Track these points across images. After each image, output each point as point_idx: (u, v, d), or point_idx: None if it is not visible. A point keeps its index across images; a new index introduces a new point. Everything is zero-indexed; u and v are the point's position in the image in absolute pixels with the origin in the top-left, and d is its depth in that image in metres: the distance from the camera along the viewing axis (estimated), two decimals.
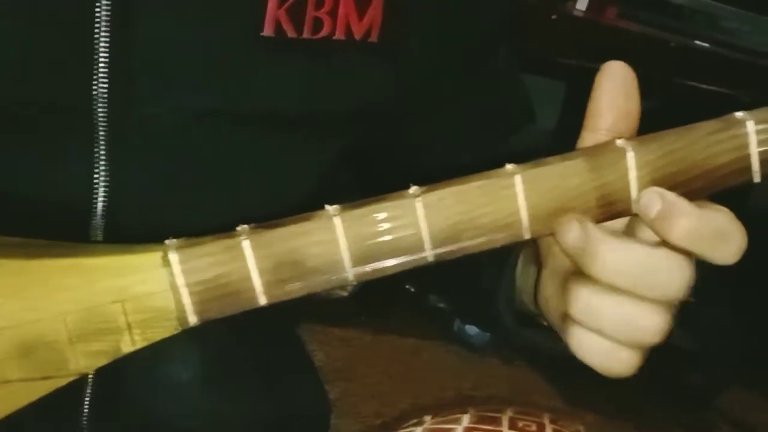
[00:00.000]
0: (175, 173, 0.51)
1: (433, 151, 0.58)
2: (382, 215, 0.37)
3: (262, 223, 0.38)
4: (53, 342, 0.38)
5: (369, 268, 0.38)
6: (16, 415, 0.40)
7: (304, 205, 0.38)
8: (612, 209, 0.37)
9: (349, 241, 0.37)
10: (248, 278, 0.37)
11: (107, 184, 0.49)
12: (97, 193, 0.49)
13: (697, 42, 1.48)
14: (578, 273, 0.37)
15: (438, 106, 0.57)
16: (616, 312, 0.36)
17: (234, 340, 0.58)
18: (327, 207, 0.37)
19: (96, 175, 0.49)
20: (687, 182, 0.36)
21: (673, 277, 0.36)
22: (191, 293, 0.37)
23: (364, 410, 0.94)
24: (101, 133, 0.48)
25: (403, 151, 0.59)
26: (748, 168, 0.36)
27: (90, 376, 0.53)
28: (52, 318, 0.38)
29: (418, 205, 0.37)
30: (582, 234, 0.36)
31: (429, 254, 0.37)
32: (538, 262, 0.43)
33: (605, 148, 0.36)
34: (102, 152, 0.49)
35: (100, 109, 0.48)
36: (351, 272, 0.38)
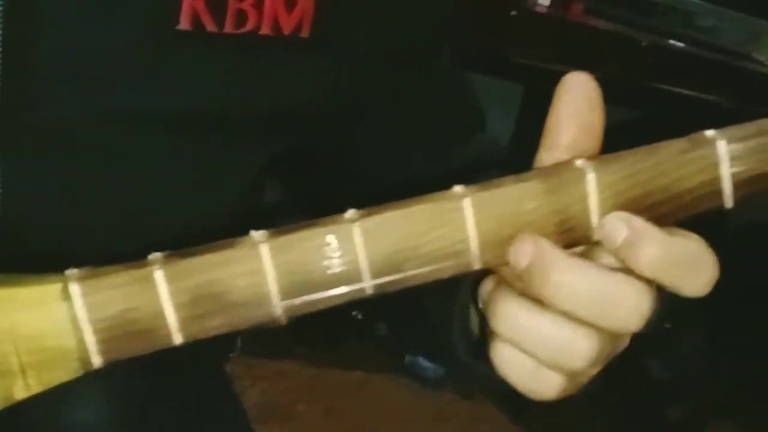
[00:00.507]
0: (80, 184, 0.50)
1: (371, 158, 0.58)
2: (315, 242, 0.37)
3: (178, 250, 0.38)
4: None
5: (300, 301, 0.37)
6: None
7: (228, 220, 0.37)
8: (571, 236, 0.37)
9: (278, 271, 0.37)
10: (161, 314, 0.37)
11: (2, 195, 0.48)
12: None
13: (671, 41, 1.51)
14: (507, 286, 0.38)
15: (376, 109, 0.57)
16: (546, 332, 0.37)
17: (146, 378, 0.57)
18: (252, 233, 0.37)
19: None
20: (653, 207, 0.36)
21: (632, 307, 0.36)
22: (95, 331, 0.37)
23: None
24: None
25: (339, 159, 0.59)
26: (718, 192, 0.36)
27: None
28: None
29: (356, 231, 0.36)
30: (535, 253, 0.36)
31: (368, 285, 0.37)
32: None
33: (563, 168, 0.36)
34: None
35: None
36: (280, 306, 0.37)
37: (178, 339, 0.37)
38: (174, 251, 0.37)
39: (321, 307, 0.37)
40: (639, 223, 0.36)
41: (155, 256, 0.37)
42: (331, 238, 0.37)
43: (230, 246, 0.37)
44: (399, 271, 0.37)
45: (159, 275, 0.36)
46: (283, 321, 0.37)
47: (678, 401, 1.33)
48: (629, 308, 0.36)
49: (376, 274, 0.37)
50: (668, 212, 0.36)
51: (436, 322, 0.52)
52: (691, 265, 0.36)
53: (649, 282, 0.36)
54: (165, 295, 0.36)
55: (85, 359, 0.37)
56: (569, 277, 0.36)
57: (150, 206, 0.52)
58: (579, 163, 0.36)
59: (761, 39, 1.60)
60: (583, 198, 0.36)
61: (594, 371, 0.39)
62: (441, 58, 0.60)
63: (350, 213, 0.37)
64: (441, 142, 0.59)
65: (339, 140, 0.58)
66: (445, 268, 0.37)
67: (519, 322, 0.37)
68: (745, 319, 1.39)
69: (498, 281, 0.39)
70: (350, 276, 0.37)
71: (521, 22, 1.39)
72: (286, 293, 0.37)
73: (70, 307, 0.36)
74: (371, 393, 1.18)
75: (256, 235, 0.37)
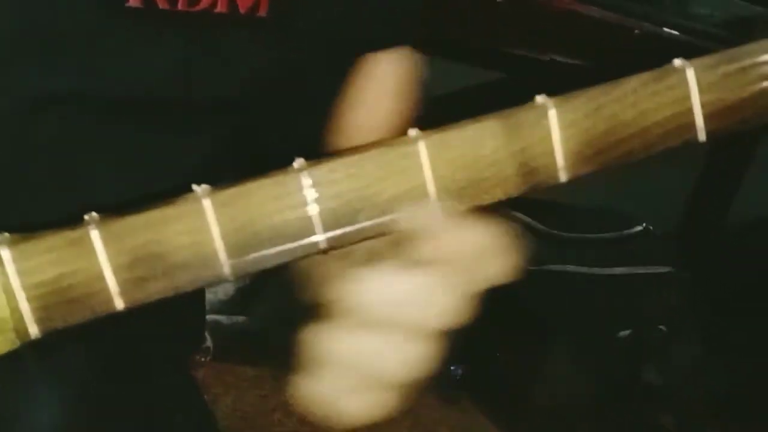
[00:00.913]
0: (15, 170, 0.50)
1: (318, 141, 0.58)
2: (261, 195, 0.36)
3: (116, 211, 0.38)
4: None
5: (249, 258, 0.37)
6: None
7: None
8: (534, 178, 0.37)
9: (223, 228, 0.36)
10: (100, 277, 0.36)
11: None
12: None
13: (665, 29, 1.52)
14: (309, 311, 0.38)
15: (326, 93, 0.57)
16: (359, 350, 0.37)
17: (104, 380, 0.57)
18: (195, 187, 0.37)
19: None
20: (619, 143, 0.36)
21: (441, 308, 0.37)
22: (29, 298, 0.36)
23: None
24: None
25: (285, 141, 0.59)
26: (690, 124, 0.36)
27: None
28: None
29: (305, 181, 0.36)
30: (326, 263, 0.37)
31: (320, 239, 0.37)
32: None
33: (523, 107, 0.36)
34: None
35: None
36: (227, 265, 0.37)
37: (119, 304, 0.37)
38: (109, 214, 0.37)
39: (271, 264, 0.37)
40: (433, 210, 0.37)
41: (92, 216, 0.37)
42: (278, 190, 0.36)
43: (171, 203, 0.37)
44: (353, 222, 0.37)
45: (95, 235, 0.36)
46: (231, 280, 0.37)
47: (671, 408, 1.34)
48: (441, 308, 0.37)
49: (328, 227, 0.37)
50: (637, 148, 0.36)
51: None
52: (482, 255, 0.37)
53: (451, 275, 0.37)
54: (102, 257, 0.36)
55: (21, 329, 0.37)
56: (370, 284, 0.37)
57: (93, 193, 0.52)
58: (540, 99, 0.36)
59: (756, 27, 1.61)
60: (546, 137, 0.36)
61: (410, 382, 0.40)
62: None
63: (298, 162, 0.37)
64: None
65: (286, 123, 0.58)
66: (401, 219, 0.37)
67: (335, 344, 0.38)
68: (742, 324, 1.40)
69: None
70: (301, 229, 0.37)
71: (507, 11, 1.40)
72: (233, 251, 0.37)
73: (3, 273, 0.36)
74: None
75: (199, 189, 0.37)
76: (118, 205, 0.49)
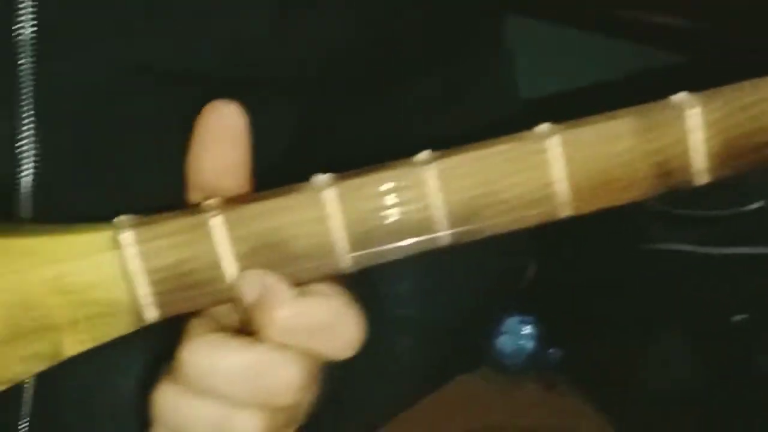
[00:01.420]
0: (108, 144, 0.52)
1: (398, 126, 0.59)
2: (385, 187, 0.38)
3: (235, 195, 0.40)
4: None
5: (369, 252, 0.39)
6: None
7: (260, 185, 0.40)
8: (670, 180, 0.38)
9: (345, 219, 0.38)
10: (219, 264, 0.39)
11: (37, 153, 0.51)
12: (23, 165, 0.51)
13: None
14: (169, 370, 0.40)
15: (412, 71, 0.58)
16: (205, 415, 0.39)
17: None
18: (316, 177, 0.38)
19: (22, 143, 0.51)
20: (762, 146, 0.37)
21: (278, 382, 0.38)
22: (149, 282, 0.39)
23: None
24: (24, 94, 0.50)
25: (367, 123, 0.60)
26: None
27: (26, 384, 0.55)
28: None
29: (430, 173, 0.38)
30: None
31: (444, 235, 0.38)
32: None
33: (662, 104, 0.37)
34: (27, 118, 0.50)
35: (24, 65, 0.49)
36: (347, 258, 0.39)
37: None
38: (231, 197, 0.40)
39: (391, 258, 0.39)
40: (270, 281, 0.38)
41: (212, 201, 0.39)
42: (402, 183, 0.38)
43: (292, 191, 0.38)
44: (478, 219, 0.38)
45: (216, 222, 0.38)
46: (351, 271, 0.39)
47: None
48: (277, 381, 0.38)
49: (452, 222, 0.38)
50: None
51: None
52: (323, 329, 0.39)
53: (299, 350, 0.38)
54: (223, 244, 0.38)
55: (138, 313, 0.39)
56: (195, 356, 0.38)
57: (178, 169, 0.54)
58: (679, 96, 0.37)
59: None
60: (684, 137, 0.37)
61: None
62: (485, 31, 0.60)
63: (423, 154, 0.38)
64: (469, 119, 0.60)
65: (363, 105, 0.59)
66: (529, 217, 0.38)
67: (179, 406, 0.39)
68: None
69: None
70: (424, 224, 0.38)
71: None
72: (354, 243, 0.39)
73: (121, 256, 0.39)
74: None
75: (321, 179, 0.38)
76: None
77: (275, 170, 0.39)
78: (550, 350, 1.25)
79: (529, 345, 1.25)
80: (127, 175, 0.53)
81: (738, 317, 1.31)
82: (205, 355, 0.38)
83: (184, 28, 0.51)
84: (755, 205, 1.46)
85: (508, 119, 0.61)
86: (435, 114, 0.59)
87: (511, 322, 1.25)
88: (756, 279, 1.34)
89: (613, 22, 1.41)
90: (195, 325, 0.40)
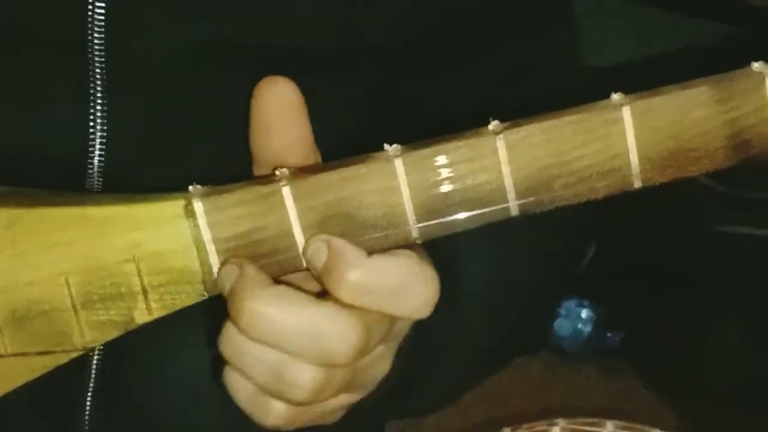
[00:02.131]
0: (179, 120, 0.53)
1: (456, 106, 0.59)
2: (453, 157, 0.38)
3: (305, 166, 0.40)
4: (52, 309, 0.40)
5: (438, 222, 0.39)
6: (8, 399, 0.42)
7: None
8: (747, 151, 0.37)
9: (413, 189, 0.39)
10: (289, 234, 0.39)
11: (104, 132, 0.52)
12: (93, 144, 0.52)
13: None
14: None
15: (471, 51, 0.58)
16: (264, 360, 0.39)
17: None
18: (386, 146, 0.39)
19: (92, 123, 0.52)
20: None
21: (338, 341, 0.38)
22: (220, 251, 0.40)
23: (427, 425, 0.96)
24: (97, 71, 0.51)
25: (423, 102, 0.59)
26: None
27: (95, 355, 0.56)
28: (49, 279, 0.40)
29: (500, 144, 0.38)
30: (236, 279, 0.39)
31: (512, 205, 0.39)
32: None
33: (740, 73, 0.37)
34: (98, 94, 0.51)
35: (96, 41, 0.50)
36: (415, 228, 0.39)
37: (304, 264, 0.40)
38: (300, 167, 0.40)
39: (460, 229, 0.39)
40: (340, 245, 0.38)
41: (282, 171, 0.39)
42: (472, 153, 0.38)
43: (361, 161, 0.39)
44: (547, 190, 0.38)
45: (286, 192, 0.39)
46: (419, 242, 0.39)
47: None
48: (334, 341, 0.38)
49: (521, 193, 0.38)
50: None
51: None
52: (396, 290, 0.38)
53: (359, 310, 0.38)
54: (293, 214, 0.39)
55: (209, 282, 0.40)
56: (264, 308, 0.38)
57: (240, 146, 0.55)
58: (757, 66, 0.37)
59: None
60: (762, 107, 0.37)
61: (330, 401, 0.41)
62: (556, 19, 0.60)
63: (493, 125, 0.38)
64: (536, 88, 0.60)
65: (433, 79, 0.59)
66: (599, 188, 0.38)
67: (241, 349, 0.39)
68: None
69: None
70: (493, 195, 0.39)
71: None
72: (423, 213, 0.39)
73: (194, 225, 0.39)
74: None
75: (390, 149, 0.39)
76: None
77: (344, 144, 0.40)
78: (608, 334, 1.24)
79: (587, 328, 1.24)
80: (196, 152, 0.54)
81: None
82: (271, 305, 0.38)
83: (254, 3, 0.51)
84: None
85: (576, 90, 0.60)
86: (503, 87, 0.59)
87: (569, 305, 1.24)
88: None
89: None
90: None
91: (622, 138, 0.37)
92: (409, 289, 0.39)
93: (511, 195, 0.39)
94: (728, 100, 0.37)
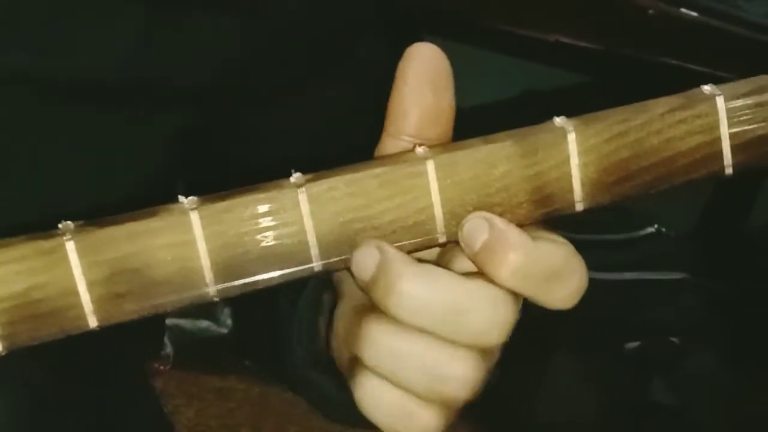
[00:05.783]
0: None
1: (277, 142, 0.59)
2: (254, 210, 0.37)
3: (94, 219, 0.38)
4: None
5: (237, 282, 0.37)
6: None
7: (133, 196, 0.38)
8: (548, 206, 0.38)
9: (211, 244, 0.37)
10: (73, 292, 0.37)
11: None
12: None
13: (683, 10, 1.52)
14: (374, 308, 0.38)
15: (290, 89, 0.57)
16: (415, 356, 0.37)
17: (52, 382, 0.58)
18: (181, 198, 0.37)
19: None
20: (641, 172, 0.37)
21: (488, 320, 0.37)
22: None
23: None
24: None
25: (242, 139, 0.59)
26: (718, 155, 0.37)
27: None
28: None
29: (302, 197, 0.37)
30: (378, 260, 0.37)
31: (316, 264, 0.38)
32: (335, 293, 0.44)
33: (540, 128, 0.37)
34: None
35: None
36: (213, 287, 0.37)
37: (92, 322, 0.37)
38: (89, 220, 0.38)
39: (262, 287, 0.38)
40: (501, 224, 0.37)
41: (66, 224, 0.37)
42: (272, 206, 0.37)
43: (154, 214, 0.37)
44: (352, 245, 0.37)
45: (70, 247, 0.37)
46: (216, 301, 0.38)
47: (682, 429, 1.34)
48: (487, 321, 0.37)
49: (325, 248, 0.37)
50: (659, 178, 0.37)
51: (280, 324, 0.53)
52: (554, 275, 0.38)
53: (510, 290, 0.38)
54: (77, 271, 0.37)
55: None
56: (414, 286, 0.37)
57: (50, 180, 0.52)
58: (559, 121, 0.37)
59: None
60: (564, 162, 0.37)
61: (465, 399, 0.40)
62: (364, 49, 0.60)
63: (295, 177, 0.37)
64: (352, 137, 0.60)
65: (244, 118, 0.58)
66: (405, 244, 0.38)
67: (390, 345, 0.38)
68: (764, 336, 1.40)
69: (367, 307, 0.39)
70: (296, 251, 0.38)
71: None
72: (220, 270, 0.37)
73: None
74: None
75: (185, 201, 0.37)
76: (79, 196, 0.50)
77: (150, 184, 0.38)
78: None
79: None
80: None
81: (631, 344, 1.33)
82: (408, 279, 0.36)
83: (54, 36, 0.50)
84: (647, 230, 1.50)
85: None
86: (310, 133, 0.59)
87: None
88: (647, 304, 1.37)
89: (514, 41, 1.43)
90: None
91: (427, 192, 0.37)
92: (564, 277, 0.38)
93: (314, 251, 0.38)
94: (531, 154, 0.37)
